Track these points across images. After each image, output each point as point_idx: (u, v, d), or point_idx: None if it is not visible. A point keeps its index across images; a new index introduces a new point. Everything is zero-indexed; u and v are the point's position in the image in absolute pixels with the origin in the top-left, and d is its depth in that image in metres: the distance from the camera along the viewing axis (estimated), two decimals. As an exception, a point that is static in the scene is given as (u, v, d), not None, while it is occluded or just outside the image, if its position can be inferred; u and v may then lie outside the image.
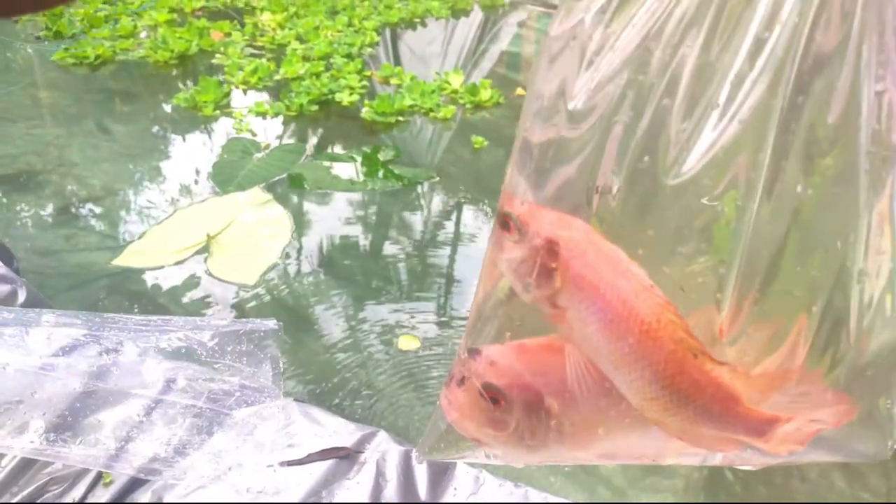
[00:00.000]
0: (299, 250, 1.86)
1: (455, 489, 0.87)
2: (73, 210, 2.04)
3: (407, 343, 1.50)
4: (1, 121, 2.55)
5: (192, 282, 1.69)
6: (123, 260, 1.76)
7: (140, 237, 1.86)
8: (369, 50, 3.31)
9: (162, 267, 1.74)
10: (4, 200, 2.06)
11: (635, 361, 0.39)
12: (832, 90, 0.30)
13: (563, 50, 0.32)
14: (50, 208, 2.05)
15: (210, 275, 1.70)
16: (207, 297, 1.64)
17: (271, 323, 1.03)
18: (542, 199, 0.41)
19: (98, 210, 2.05)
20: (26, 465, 0.83)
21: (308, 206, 2.10)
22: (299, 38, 3.30)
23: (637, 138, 0.34)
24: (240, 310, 1.61)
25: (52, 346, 0.94)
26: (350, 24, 3.54)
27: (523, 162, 0.40)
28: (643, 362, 0.38)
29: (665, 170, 0.34)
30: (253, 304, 1.62)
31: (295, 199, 2.10)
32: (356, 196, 2.14)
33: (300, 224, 1.97)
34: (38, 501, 0.80)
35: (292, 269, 1.77)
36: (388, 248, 1.95)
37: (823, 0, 0.29)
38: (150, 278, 1.71)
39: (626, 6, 0.30)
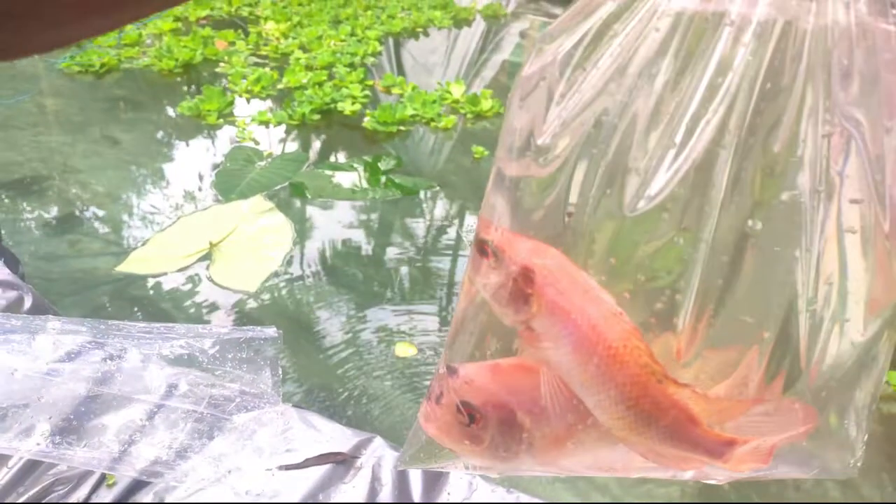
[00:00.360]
0: (301, 258, 1.89)
1: (448, 493, 0.89)
2: (78, 216, 2.07)
3: (404, 350, 1.52)
4: (8, 128, 2.58)
5: (195, 288, 1.72)
6: (127, 266, 1.79)
7: (143, 244, 1.89)
8: (372, 59, 3.35)
9: (165, 273, 1.77)
10: (10, 206, 2.09)
11: (602, 383, 0.41)
12: (780, 132, 0.33)
13: (534, 89, 0.35)
14: (55, 214, 2.08)
15: (212, 282, 1.73)
16: (209, 303, 1.67)
17: (271, 331, 1.05)
18: (516, 227, 0.44)
19: (102, 216, 2.08)
20: (32, 467, 0.86)
21: (310, 214, 2.13)
22: (302, 48, 3.34)
23: (600, 173, 0.37)
24: (241, 316, 1.63)
25: (57, 351, 0.96)
26: (353, 34, 3.58)
27: (498, 191, 0.43)
28: (609, 384, 0.41)
29: (625, 203, 0.37)
30: (254, 310, 1.65)
31: (297, 207, 2.13)
32: (358, 204, 2.17)
33: (302, 232, 2.00)
34: (44, 502, 0.82)
35: (293, 277, 1.80)
36: (389, 256, 1.98)
37: (776, 49, 0.32)
38: (153, 284, 1.74)
39: (593, 50, 0.34)
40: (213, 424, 0.93)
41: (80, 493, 0.83)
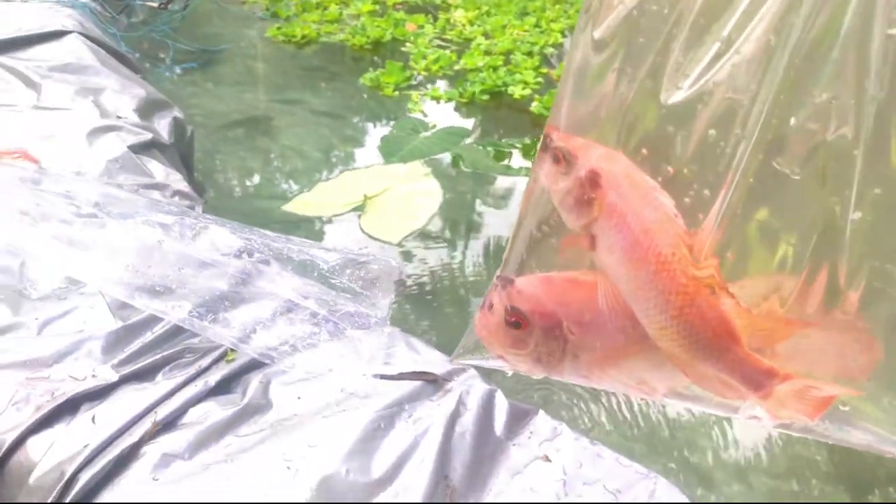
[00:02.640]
0: (445, 222, 1.96)
1: (531, 433, 0.88)
2: (262, 162, 2.31)
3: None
4: (219, 84, 2.92)
5: (345, 232, 1.85)
6: (291, 206, 1.96)
7: (309, 190, 2.06)
8: (551, 50, 3.36)
9: (321, 217, 1.92)
10: (208, 146, 2.37)
11: (650, 290, 0.41)
12: (838, 30, 0.31)
13: None
14: (243, 159, 2.33)
15: (361, 229, 1.85)
16: (355, 246, 1.79)
17: (392, 261, 1.11)
18: (572, 122, 0.46)
19: (282, 165, 2.30)
20: (170, 336, 0.98)
21: (462, 185, 2.19)
22: (485, 35, 3.43)
23: (646, 62, 0.38)
24: (380, 263, 1.74)
25: (208, 244, 1.09)
26: (537, 25, 3.61)
27: (564, 93, 0.45)
28: (656, 291, 0.40)
29: (663, 92, 0.37)
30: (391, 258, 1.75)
31: (451, 176, 2.21)
32: (510, 181, 2.20)
33: (451, 199, 2.07)
34: (174, 363, 0.94)
35: (433, 237, 1.87)
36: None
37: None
38: (310, 224, 1.90)
39: None
40: (325, 329, 1.00)
41: (203, 362, 0.93)
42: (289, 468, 0.79)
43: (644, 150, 0.43)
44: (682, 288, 0.40)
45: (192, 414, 0.86)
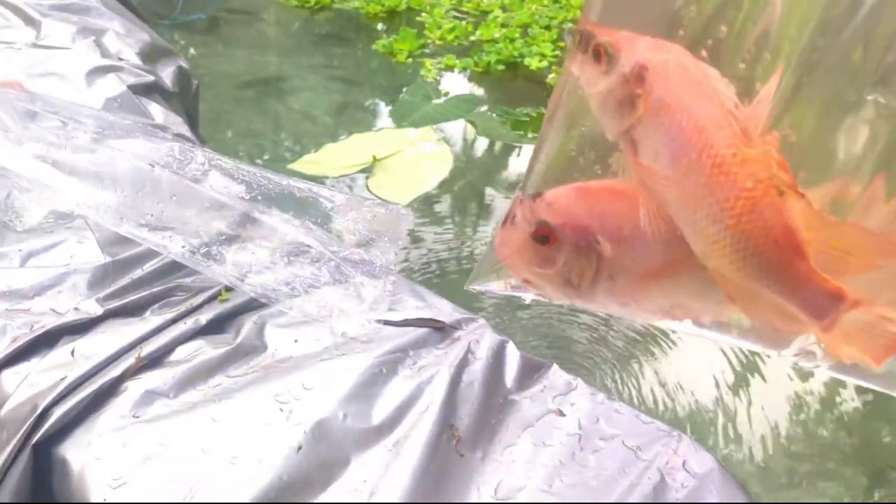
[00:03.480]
0: (455, 188, 1.89)
1: (544, 387, 0.82)
2: (270, 123, 2.25)
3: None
4: (232, 46, 2.86)
5: (351, 193, 1.79)
6: (297, 166, 1.90)
7: (316, 151, 2.00)
8: (570, 25, 3.27)
9: (328, 177, 1.86)
10: (216, 106, 2.31)
11: (703, 197, 0.34)
12: None
13: None
14: (251, 121, 2.27)
15: (368, 190, 1.79)
16: (361, 207, 1.73)
17: (401, 208, 1.05)
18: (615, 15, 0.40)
19: (290, 126, 2.24)
20: (164, 273, 0.92)
21: (474, 151, 2.12)
22: (503, 8, 3.35)
23: None
24: (387, 223, 1.68)
25: (206, 179, 1.02)
26: (556, 1, 3.52)
27: None
28: (710, 199, 0.34)
29: None
30: (400, 219, 1.69)
31: (463, 143, 2.14)
32: (522, 150, 2.13)
33: (461, 166, 2.01)
34: (164, 300, 0.88)
35: (443, 201, 1.81)
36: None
37: None
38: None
39: None
40: (327, 272, 0.94)
41: (195, 301, 0.88)
42: (281, 410, 0.72)
43: (692, 7, 0.37)
44: (745, 193, 0.34)
45: (180, 352, 0.80)
